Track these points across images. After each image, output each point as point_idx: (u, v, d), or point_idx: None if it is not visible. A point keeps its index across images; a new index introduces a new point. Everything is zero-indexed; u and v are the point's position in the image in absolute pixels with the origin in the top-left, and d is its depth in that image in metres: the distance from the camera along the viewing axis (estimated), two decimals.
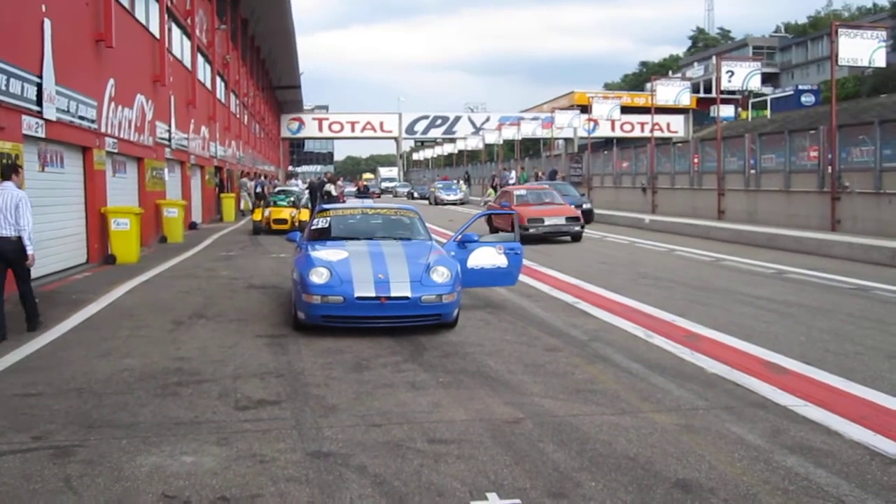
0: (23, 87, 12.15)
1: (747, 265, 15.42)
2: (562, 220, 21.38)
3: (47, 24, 13.14)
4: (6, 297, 9.10)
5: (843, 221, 19.85)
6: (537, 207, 22.31)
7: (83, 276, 14.32)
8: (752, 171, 25.09)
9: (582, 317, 10.18)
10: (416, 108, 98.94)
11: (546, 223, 21.23)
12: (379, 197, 53.48)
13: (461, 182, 55.06)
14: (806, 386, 6.69)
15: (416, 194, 65.25)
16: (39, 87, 12.83)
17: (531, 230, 20.61)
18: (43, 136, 13.17)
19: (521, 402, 6.31)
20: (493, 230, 20.86)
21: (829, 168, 20.63)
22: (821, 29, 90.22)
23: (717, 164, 26.57)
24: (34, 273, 11.45)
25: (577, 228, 21.64)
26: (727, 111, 74.47)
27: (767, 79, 78.70)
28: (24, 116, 12.26)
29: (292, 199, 27.07)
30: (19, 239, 9.07)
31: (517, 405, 6.21)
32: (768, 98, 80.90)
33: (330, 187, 30.84)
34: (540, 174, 42.63)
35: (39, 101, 12.83)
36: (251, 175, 46.17)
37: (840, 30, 20.19)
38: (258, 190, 34.37)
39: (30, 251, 9.21)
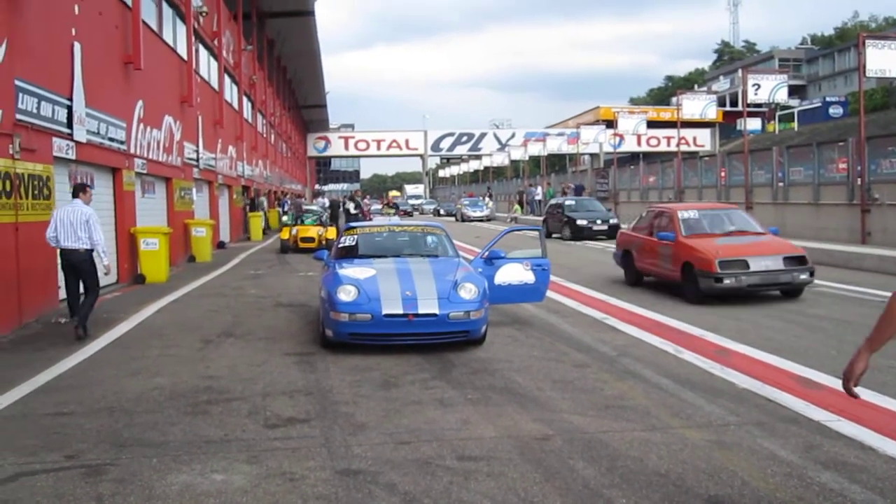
0: (53, 110, 12.32)
1: None
2: (778, 263, 12.32)
3: (77, 47, 13.32)
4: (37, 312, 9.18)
5: (873, 234, 19.65)
6: (729, 241, 13.00)
7: (113, 296, 14.44)
8: (780, 184, 24.94)
9: (610, 332, 10.13)
10: (441, 125, 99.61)
11: (754, 268, 12.10)
12: (409, 216, 53.61)
13: (487, 198, 55.07)
14: (839, 400, 6.60)
15: (442, 211, 65.29)
16: (70, 109, 12.99)
17: (727, 281, 11.92)
18: (73, 157, 13.33)
19: (550, 418, 6.29)
20: (635, 274, 14.69)
21: (859, 180, 20.46)
22: (848, 40, 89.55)
23: (744, 178, 26.42)
24: (65, 293, 11.71)
25: (804, 276, 12.45)
26: (754, 124, 74.03)
27: (794, 91, 78.30)
28: (54, 139, 12.42)
29: (316, 218, 27.26)
30: (88, 252, 10.23)
31: (546, 422, 6.18)
32: (795, 110, 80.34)
33: (350, 204, 31.02)
34: (567, 188, 42.53)
35: (70, 124, 13.00)
36: (282, 193, 46.49)
37: (867, 41, 20.05)
38: (285, 209, 34.62)
39: (105, 261, 10.59)
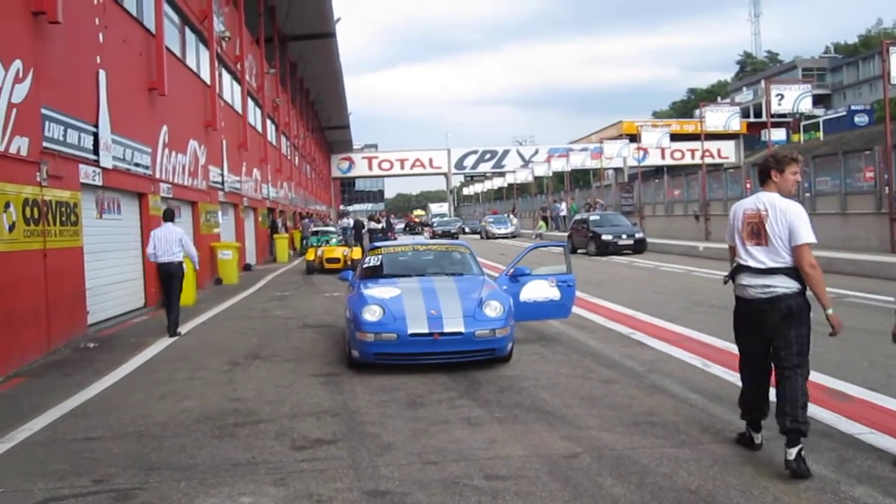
0: (80, 137, 12.45)
1: None
2: None
3: (102, 74, 13.48)
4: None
5: None
6: None
7: (141, 320, 14.54)
8: (807, 194, 24.73)
9: (637, 347, 10.06)
10: (464, 143, 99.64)
11: None
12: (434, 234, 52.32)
13: (511, 216, 55.03)
14: (871, 413, 6.52)
15: (467, 229, 65.28)
16: (96, 136, 13.12)
17: None
18: (100, 184, 13.46)
19: (578, 435, 6.24)
20: None
21: (887, 189, 20.25)
22: (872, 48, 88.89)
23: None
24: (95, 318, 11.87)
25: None
26: (778, 135, 73.48)
27: (819, 100, 77.79)
28: (81, 165, 12.54)
29: (331, 238, 27.58)
30: (179, 263, 12.61)
31: (574, 439, 6.14)
32: (820, 120, 79.81)
33: (373, 224, 31.22)
34: (595, 203, 42.34)
35: (96, 150, 13.13)
36: (306, 215, 46.76)
37: (891, 48, 19.93)
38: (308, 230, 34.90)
39: (197, 267, 14.16)
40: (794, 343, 5.50)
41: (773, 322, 5.50)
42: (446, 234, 50.97)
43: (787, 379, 5.41)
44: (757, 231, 5.52)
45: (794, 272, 5.45)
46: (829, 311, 5.49)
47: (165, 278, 12.68)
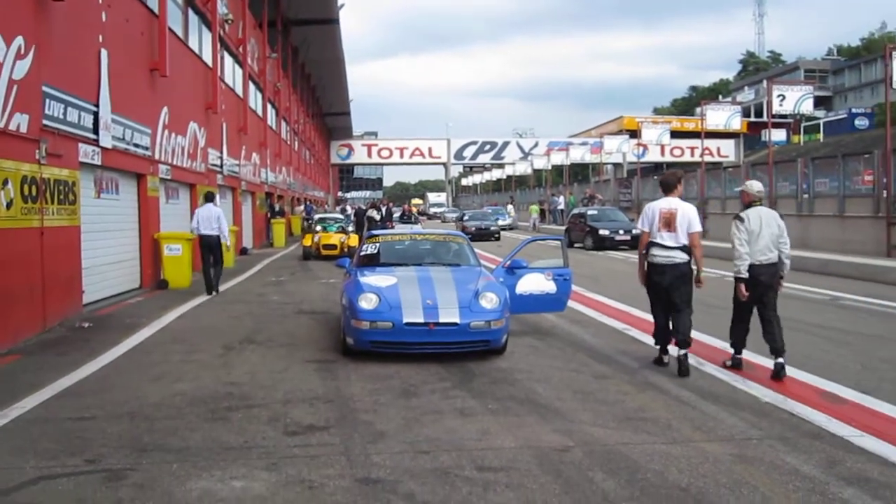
0: (80, 116, 12.42)
1: (800, 292, 15.17)
2: None
3: (104, 53, 13.43)
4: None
5: None
6: None
7: (136, 301, 14.53)
8: (805, 196, 24.78)
9: (632, 343, 10.08)
10: (464, 134, 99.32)
11: None
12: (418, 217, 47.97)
13: (510, 207, 55.02)
14: (863, 416, 6.55)
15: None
16: (96, 115, 13.09)
17: None
18: (99, 163, 13.43)
19: (571, 429, 6.26)
20: None
21: (885, 193, 20.28)
22: (874, 51, 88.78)
23: (768, 189, 26.24)
24: (90, 298, 11.90)
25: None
26: (779, 135, 73.57)
27: (820, 102, 77.77)
28: (80, 144, 12.52)
29: (339, 224, 27.47)
30: (217, 237, 15.58)
31: (566, 433, 6.16)
32: (821, 122, 79.86)
33: (372, 212, 31.16)
34: (595, 197, 42.24)
35: (96, 130, 13.10)
36: (301, 200, 46.70)
37: (894, 52, 19.90)
38: (309, 215, 34.77)
39: (227, 244, 16.41)
40: (684, 293, 8.36)
41: (673, 278, 8.33)
42: (483, 234, 36.95)
43: (680, 313, 8.36)
44: (669, 222, 8.32)
45: (686, 249, 8.31)
46: (703, 273, 8.44)
47: (205, 248, 15.65)
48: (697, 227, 8.35)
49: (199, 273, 18.67)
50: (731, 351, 8.59)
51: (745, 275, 8.04)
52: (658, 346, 8.73)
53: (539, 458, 5.54)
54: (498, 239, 36.70)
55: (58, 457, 5.66)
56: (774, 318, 8.11)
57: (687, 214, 8.31)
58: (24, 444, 5.97)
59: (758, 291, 8.11)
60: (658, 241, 8.33)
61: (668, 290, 8.33)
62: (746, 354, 8.98)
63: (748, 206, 8.35)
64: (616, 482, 5.07)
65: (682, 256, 8.27)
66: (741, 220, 8.18)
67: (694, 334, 10.22)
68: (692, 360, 8.88)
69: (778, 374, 7.87)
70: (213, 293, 15.43)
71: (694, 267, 8.35)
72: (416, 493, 4.90)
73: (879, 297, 13.95)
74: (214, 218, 15.63)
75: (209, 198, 16.46)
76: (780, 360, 7.95)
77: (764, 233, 8.13)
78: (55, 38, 11.56)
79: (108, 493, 4.95)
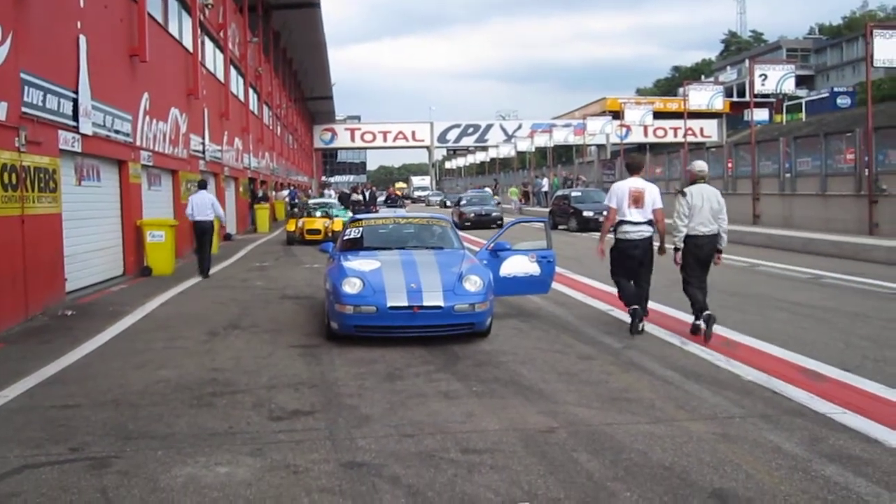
0: (59, 103, 12.31)
1: (783, 270, 15.28)
2: None
3: (82, 40, 13.32)
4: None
5: (881, 225, 19.58)
6: None
7: (119, 288, 14.47)
8: (788, 175, 24.86)
9: (616, 324, 10.11)
10: (447, 116, 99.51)
11: None
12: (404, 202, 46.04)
13: (487, 191, 55.01)
14: (845, 393, 6.59)
15: (448, 203, 65.01)
16: (75, 102, 12.99)
17: None
18: (79, 150, 13.34)
19: (555, 410, 6.28)
20: None
21: (866, 171, 20.38)
22: (856, 30, 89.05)
23: (751, 169, 26.36)
24: (73, 286, 11.85)
25: None
26: (761, 115, 73.71)
27: (802, 81, 77.92)
28: (60, 131, 12.42)
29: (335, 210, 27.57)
30: (210, 222, 16.25)
31: (551, 414, 6.18)
32: (803, 101, 80.00)
33: (356, 196, 31.17)
34: (576, 180, 42.20)
35: (76, 116, 13.00)
36: (284, 185, 46.54)
37: (875, 31, 19.96)
38: (294, 200, 34.65)
39: (226, 227, 18.26)
40: (650, 266, 9.49)
41: (643, 251, 9.34)
42: (483, 220, 33.37)
43: (644, 284, 9.50)
44: (637, 199, 9.25)
45: (651, 224, 9.32)
46: (665, 246, 9.37)
47: (199, 233, 16.27)
48: (660, 204, 9.41)
49: (182, 260, 18.69)
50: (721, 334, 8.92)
51: (681, 245, 9.04)
52: (630, 312, 9.38)
53: (524, 440, 5.56)
54: (501, 226, 29.92)
55: (42, 445, 5.64)
56: (704, 284, 9.13)
57: (652, 193, 9.38)
58: (7, 432, 5.94)
59: (701, 257, 9.08)
60: (628, 217, 9.23)
61: (641, 262, 9.34)
62: (730, 333, 9.06)
63: (692, 183, 9.32)
64: (601, 462, 5.09)
65: (649, 230, 9.32)
66: (684, 195, 9.13)
67: (675, 313, 10.33)
68: (675, 339, 8.95)
69: (705, 332, 8.73)
70: (206, 276, 16.06)
71: (656, 242, 9.48)
72: (401, 476, 4.92)
73: (862, 274, 14.03)
74: (208, 204, 16.32)
75: (202, 185, 17.21)
76: (703, 319, 8.82)
77: (705, 207, 9.04)
78: (33, 24, 11.44)
79: (92, 480, 4.94)
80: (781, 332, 9.23)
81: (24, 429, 6.04)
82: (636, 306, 9.31)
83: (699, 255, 9.06)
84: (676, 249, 9.07)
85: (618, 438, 5.55)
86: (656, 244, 9.49)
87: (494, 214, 34.38)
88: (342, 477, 4.93)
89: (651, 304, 11.43)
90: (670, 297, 11.39)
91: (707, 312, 8.76)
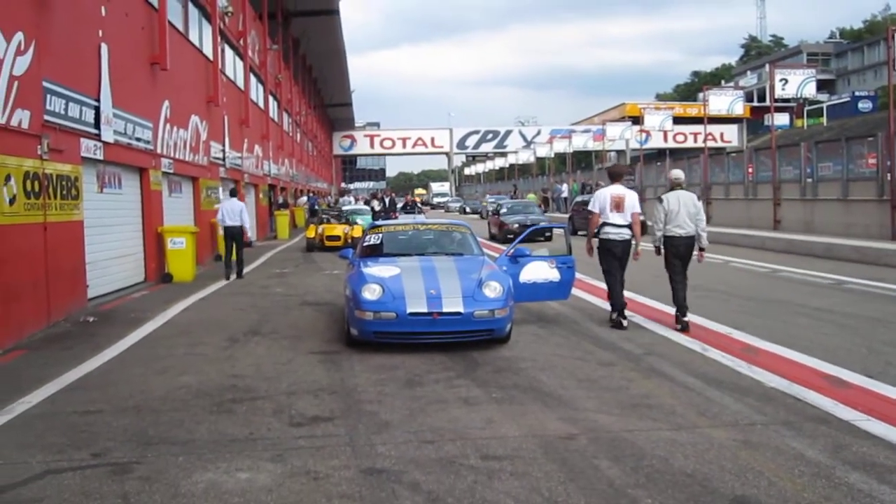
0: (81, 111, 12.41)
1: (805, 276, 15.16)
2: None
3: (104, 48, 13.42)
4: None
5: None
6: None
7: (140, 295, 14.56)
8: (809, 180, 24.67)
9: (636, 330, 10.07)
10: (466, 123, 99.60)
11: None
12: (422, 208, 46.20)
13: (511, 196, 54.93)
14: (868, 400, 6.53)
15: (468, 209, 65.04)
16: (97, 110, 13.08)
17: None
18: (101, 158, 13.43)
19: (575, 417, 6.26)
20: None
21: (889, 175, 20.19)
22: (877, 33, 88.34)
23: (772, 174, 26.18)
24: (94, 292, 11.93)
25: None
26: (782, 119, 73.31)
27: (823, 86, 77.48)
28: (82, 139, 12.52)
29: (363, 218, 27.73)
30: (240, 227, 16.93)
31: (571, 420, 6.16)
32: (824, 105, 79.47)
33: (374, 203, 31.29)
34: (594, 184, 42.07)
35: (97, 124, 13.09)
36: (304, 191, 46.69)
37: None
38: (314, 206, 34.79)
39: (251, 234, 18.72)
40: (624, 264, 10.38)
41: (622, 252, 10.29)
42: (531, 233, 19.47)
43: (623, 282, 10.41)
44: (618, 204, 10.22)
45: (630, 227, 10.24)
46: (640, 247, 10.38)
47: (229, 238, 17.16)
48: (638, 209, 10.41)
49: (202, 266, 18.79)
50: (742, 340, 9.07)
51: (661, 245, 10.27)
52: (616, 312, 10.33)
53: (544, 446, 5.54)
54: (550, 238, 24.85)
55: (64, 451, 5.67)
56: (684, 280, 10.20)
57: (631, 198, 10.41)
58: (30, 438, 5.98)
59: (679, 256, 10.20)
60: (611, 220, 10.25)
61: (620, 260, 10.34)
62: (752, 340, 9.01)
63: (671, 189, 10.34)
64: (621, 469, 5.07)
65: (629, 232, 10.29)
66: (661, 201, 10.24)
67: (697, 319, 10.29)
68: (696, 345, 8.91)
69: (685, 326, 9.85)
70: (234, 277, 16.98)
71: (633, 241, 10.35)
72: (420, 482, 4.91)
73: (884, 280, 13.91)
74: (237, 211, 17.05)
75: (233, 193, 18.13)
76: (685, 317, 9.97)
77: (681, 211, 10.05)
78: (55, 33, 11.54)
79: (114, 486, 4.96)
80: (803, 337, 9.16)
81: (46, 434, 6.08)
82: (617, 314, 10.32)
83: (677, 253, 10.17)
84: (658, 249, 10.36)
85: (639, 445, 5.52)
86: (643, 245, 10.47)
87: (543, 225, 24.66)
88: (362, 483, 4.93)
89: (652, 304, 11.55)
90: (691, 304, 11.38)
91: (681, 307, 10.00)
